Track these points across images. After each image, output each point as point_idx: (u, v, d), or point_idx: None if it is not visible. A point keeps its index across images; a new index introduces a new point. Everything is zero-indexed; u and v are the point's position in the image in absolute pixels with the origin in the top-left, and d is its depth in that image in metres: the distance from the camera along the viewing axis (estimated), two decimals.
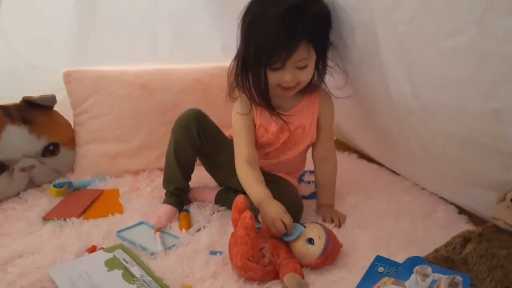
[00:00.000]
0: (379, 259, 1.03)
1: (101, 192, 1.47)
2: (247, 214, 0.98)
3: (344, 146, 1.84)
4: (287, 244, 1.07)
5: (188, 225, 1.24)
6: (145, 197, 1.42)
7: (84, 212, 1.33)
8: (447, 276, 0.86)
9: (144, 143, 1.62)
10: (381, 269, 1.00)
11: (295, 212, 1.21)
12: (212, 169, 1.42)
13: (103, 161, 1.60)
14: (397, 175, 1.57)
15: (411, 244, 1.13)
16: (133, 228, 1.24)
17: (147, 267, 1.05)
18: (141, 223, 1.26)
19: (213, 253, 1.12)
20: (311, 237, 1.05)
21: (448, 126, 1.07)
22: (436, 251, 1.01)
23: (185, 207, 1.34)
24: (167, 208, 1.29)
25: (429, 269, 0.89)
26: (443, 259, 0.96)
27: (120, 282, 1.00)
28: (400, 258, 1.05)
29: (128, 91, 1.62)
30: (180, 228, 1.23)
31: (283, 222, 1.05)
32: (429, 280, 0.88)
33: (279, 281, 1.00)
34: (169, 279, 1.01)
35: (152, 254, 1.11)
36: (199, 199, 1.39)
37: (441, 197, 1.37)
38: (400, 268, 0.98)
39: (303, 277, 0.98)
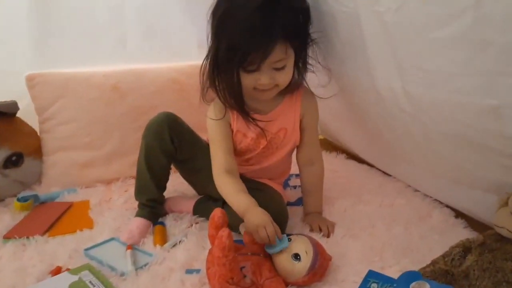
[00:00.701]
0: (371, 275, 0.95)
1: (70, 205, 1.37)
2: (224, 232, 0.88)
3: (331, 146, 1.76)
4: (271, 261, 0.98)
5: (163, 240, 1.15)
6: (117, 209, 1.33)
7: (50, 229, 1.24)
8: None
9: (116, 150, 1.53)
10: (374, 286, 0.91)
11: (280, 221, 1.12)
12: (189, 177, 1.33)
13: (72, 171, 1.51)
14: (388, 176, 1.49)
15: (405, 253, 1.06)
16: (102, 245, 1.14)
17: None
18: (111, 239, 1.17)
19: (189, 271, 1.02)
20: (297, 252, 0.96)
21: (443, 124, 0.99)
22: (433, 263, 0.93)
23: (160, 220, 1.25)
24: (140, 222, 1.20)
25: (427, 286, 0.81)
26: (442, 273, 0.88)
27: None
28: (394, 270, 0.98)
29: (97, 94, 1.52)
30: (154, 244, 1.14)
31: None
32: None
33: None
34: None
35: (122, 274, 1.02)
36: (175, 210, 1.29)
37: (436, 200, 1.29)
38: (395, 285, 0.90)
39: None
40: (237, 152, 1.19)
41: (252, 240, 1.03)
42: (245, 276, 0.92)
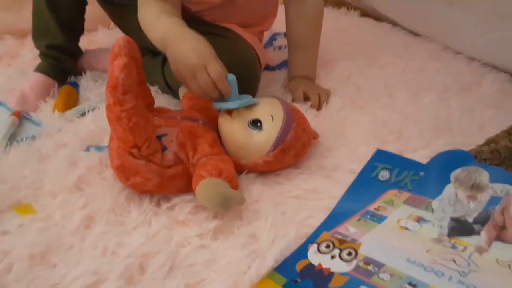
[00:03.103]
0: (380, 157, 0.59)
1: None
2: (118, 61, 0.52)
3: (339, 1, 1.33)
4: (217, 133, 0.62)
5: (67, 105, 0.85)
6: (20, 66, 1.03)
7: None
8: None
9: None
10: (384, 174, 0.56)
11: (248, 81, 0.78)
12: (120, 21, 0.96)
13: None
14: (417, 37, 1.10)
15: (439, 133, 0.74)
16: None
17: None
18: None
19: (89, 148, 0.68)
20: (257, 117, 0.59)
21: None
22: (491, 141, 0.57)
23: (71, 80, 0.94)
24: (38, 80, 0.90)
25: (484, 175, 0.45)
26: (509, 154, 0.51)
27: None
28: (421, 156, 0.65)
29: None
30: (53, 110, 0.83)
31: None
32: (484, 198, 0.44)
33: (193, 196, 0.57)
34: None
35: None
36: (98, 68, 0.97)
37: (487, 64, 0.97)
38: (422, 173, 0.53)
39: (235, 187, 0.55)
40: None
41: (193, 104, 0.67)
42: (165, 148, 0.56)
